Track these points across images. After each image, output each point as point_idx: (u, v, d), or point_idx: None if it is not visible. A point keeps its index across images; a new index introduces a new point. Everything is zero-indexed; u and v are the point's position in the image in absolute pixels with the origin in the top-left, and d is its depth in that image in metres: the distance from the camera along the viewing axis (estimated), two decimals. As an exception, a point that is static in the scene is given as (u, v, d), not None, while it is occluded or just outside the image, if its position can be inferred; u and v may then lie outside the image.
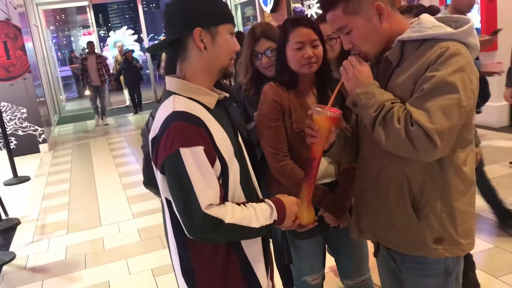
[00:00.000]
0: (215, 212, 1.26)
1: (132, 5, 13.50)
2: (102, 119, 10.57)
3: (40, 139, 8.26)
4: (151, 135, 1.33)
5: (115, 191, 5.61)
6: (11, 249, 4.27)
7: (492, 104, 5.39)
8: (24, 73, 8.01)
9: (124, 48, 13.51)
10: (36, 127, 8.21)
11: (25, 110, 8.09)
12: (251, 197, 1.45)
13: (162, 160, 1.28)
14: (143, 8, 13.58)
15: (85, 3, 12.74)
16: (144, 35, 13.52)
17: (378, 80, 1.49)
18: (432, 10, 2.74)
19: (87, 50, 10.69)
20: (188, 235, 1.29)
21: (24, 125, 8.14)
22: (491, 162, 4.38)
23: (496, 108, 5.82)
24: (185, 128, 1.26)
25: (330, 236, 2.16)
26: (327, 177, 2.00)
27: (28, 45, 8.46)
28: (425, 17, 1.47)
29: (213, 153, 1.28)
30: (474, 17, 5.88)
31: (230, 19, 1.37)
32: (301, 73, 1.97)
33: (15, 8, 7.87)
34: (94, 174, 6.55)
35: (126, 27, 17.98)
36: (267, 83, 2.09)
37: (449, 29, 1.40)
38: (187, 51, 1.36)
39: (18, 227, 4.82)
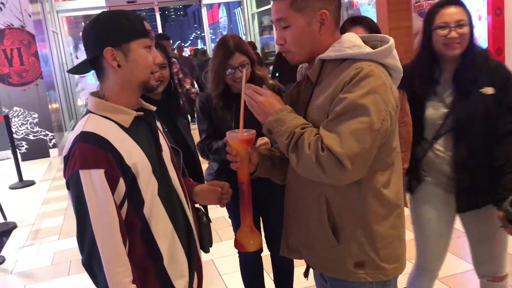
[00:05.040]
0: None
1: (153, 13, 13.61)
2: None
3: (51, 144, 8.41)
4: (64, 152, 1.36)
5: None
6: (2, 253, 4.33)
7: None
8: (37, 79, 8.20)
9: None
10: (47, 132, 8.37)
11: (36, 115, 8.27)
12: (173, 210, 1.46)
13: (66, 178, 1.31)
14: (170, 15, 13.68)
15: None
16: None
17: (301, 99, 1.47)
18: None
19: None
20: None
21: (35, 130, 8.31)
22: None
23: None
24: (87, 151, 1.27)
25: None
26: None
27: (43, 51, 8.65)
28: (347, 36, 1.44)
29: (116, 176, 1.29)
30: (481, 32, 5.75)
31: (142, 34, 1.37)
32: None
33: (30, 16, 8.07)
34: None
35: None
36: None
37: (367, 49, 1.37)
38: (103, 70, 1.38)
39: (14, 231, 4.89)
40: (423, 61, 2.05)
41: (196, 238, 1.56)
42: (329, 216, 1.42)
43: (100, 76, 1.40)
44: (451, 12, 1.96)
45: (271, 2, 1.44)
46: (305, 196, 1.48)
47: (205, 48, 13.50)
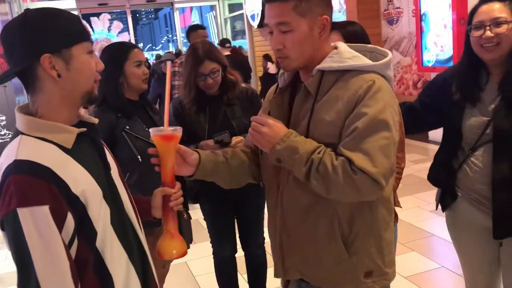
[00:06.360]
0: None
1: (124, 16, 13.50)
2: None
3: (19, 147, 8.24)
4: None
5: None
6: (-31, 258, 4.24)
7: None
8: (5, 80, 8.04)
9: None
10: (15, 135, 8.21)
11: (4, 118, 8.09)
12: (126, 238, 1.27)
13: (0, 216, 1.07)
14: (141, 18, 13.59)
15: (75, 13, 12.79)
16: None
17: (295, 109, 1.43)
18: None
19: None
20: None
21: (2, 132, 8.13)
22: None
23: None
24: (26, 184, 1.05)
25: None
26: None
27: (11, 53, 8.48)
28: (343, 46, 1.43)
29: (63, 211, 1.08)
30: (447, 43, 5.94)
31: (84, 37, 1.18)
32: None
33: (-2, 16, 7.93)
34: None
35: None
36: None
37: (368, 61, 1.38)
38: (38, 82, 1.15)
39: (-19, 236, 4.78)
40: (464, 65, 1.85)
41: (152, 266, 1.40)
42: (339, 229, 1.41)
43: (31, 88, 1.17)
44: (489, 9, 1.72)
45: (267, 5, 1.36)
46: (313, 212, 1.43)
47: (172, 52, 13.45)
